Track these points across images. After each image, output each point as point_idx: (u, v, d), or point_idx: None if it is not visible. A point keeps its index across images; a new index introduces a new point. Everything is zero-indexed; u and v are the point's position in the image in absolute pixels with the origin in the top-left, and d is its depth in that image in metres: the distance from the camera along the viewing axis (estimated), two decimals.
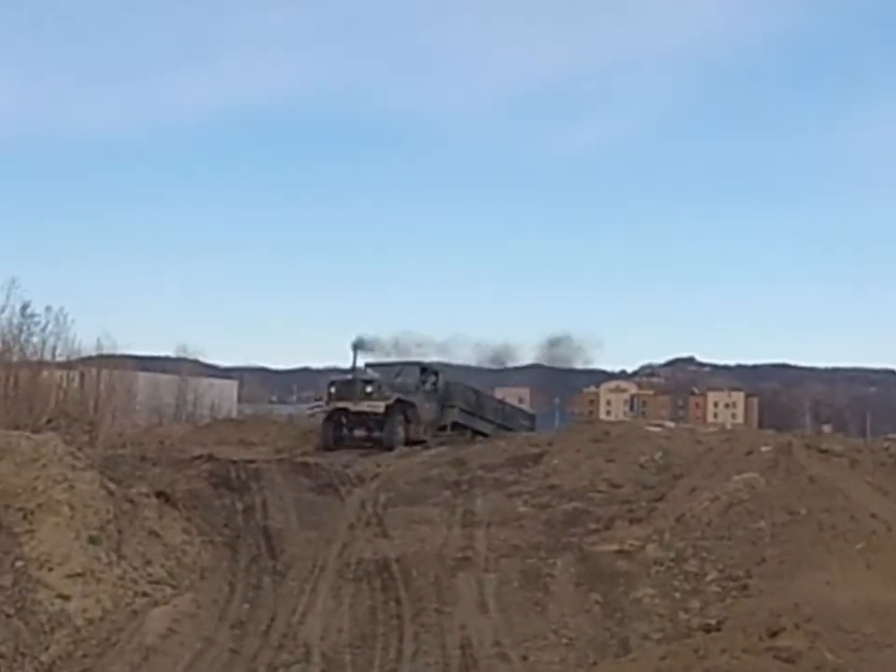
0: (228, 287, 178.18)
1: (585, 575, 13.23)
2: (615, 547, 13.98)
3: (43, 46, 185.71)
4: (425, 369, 28.97)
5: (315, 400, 36.63)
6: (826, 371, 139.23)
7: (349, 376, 28.23)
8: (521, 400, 66.16)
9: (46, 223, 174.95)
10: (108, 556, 12.33)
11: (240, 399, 58.17)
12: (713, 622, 11.45)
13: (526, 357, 51.30)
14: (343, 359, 29.78)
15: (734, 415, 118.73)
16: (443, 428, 28.45)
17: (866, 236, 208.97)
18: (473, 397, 30.04)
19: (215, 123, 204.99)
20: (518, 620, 12.06)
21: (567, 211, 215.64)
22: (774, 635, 9.92)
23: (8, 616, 11.01)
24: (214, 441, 27.31)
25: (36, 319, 21.94)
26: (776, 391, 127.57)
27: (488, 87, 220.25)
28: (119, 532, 12.81)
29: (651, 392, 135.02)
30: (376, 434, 26.56)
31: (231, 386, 57.33)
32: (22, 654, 10.65)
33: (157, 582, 12.55)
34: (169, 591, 12.48)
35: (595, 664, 10.98)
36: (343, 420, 26.82)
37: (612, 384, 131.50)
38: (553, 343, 46.55)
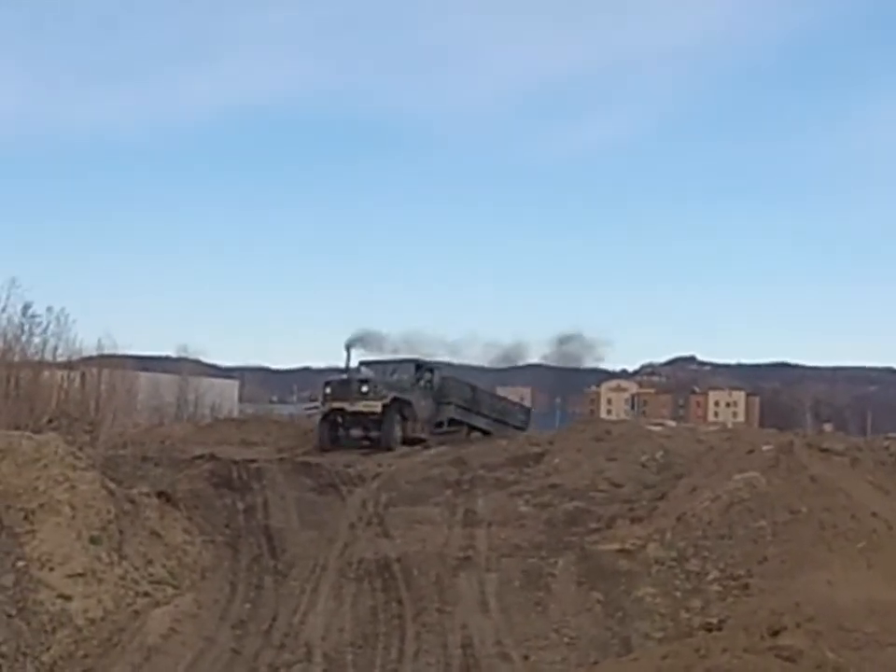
0: (228, 286, 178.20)
1: (586, 574, 13.23)
2: (616, 546, 13.97)
3: (43, 45, 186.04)
4: (420, 366, 28.73)
5: (311, 401, 36.63)
6: (827, 370, 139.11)
7: (344, 376, 28.04)
8: (522, 399, 66.11)
9: (46, 223, 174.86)
10: (110, 556, 12.34)
11: (241, 399, 58.07)
12: (714, 621, 11.45)
13: (535, 355, 51.24)
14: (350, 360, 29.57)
15: (734, 414, 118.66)
16: (440, 425, 28.32)
17: (866, 235, 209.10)
18: (470, 392, 29.89)
19: (215, 123, 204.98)
20: (519, 619, 12.06)
21: (567, 211, 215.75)
22: (775, 634, 9.92)
23: (10, 616, 11.02)
24: (215, 440, 27.28)
25: (38, 319, 21.96)
26: (776, 390, 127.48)
27: (489, 87, 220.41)
28: (121, 532, 12.82)
29: (651, 391, 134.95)
30: (373, 433, 26.47)
31: (231, 386, 57.26)
32: (24, 654, 10.67)
33: (158, 582, 12.56)
34: (170, 591, 12.49)
35: (596, 663, 10.99)
36: (340, 420, 26.73)
37: (613, 383, 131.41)
38: (564, 340, 46.39)
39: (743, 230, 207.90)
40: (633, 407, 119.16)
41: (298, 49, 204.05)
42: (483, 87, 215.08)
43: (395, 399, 26.65)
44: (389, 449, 25.19)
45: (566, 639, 11.57)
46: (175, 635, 11.32)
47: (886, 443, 17.88)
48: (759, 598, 11.74)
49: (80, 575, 11.82)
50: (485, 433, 29.27)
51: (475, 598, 12.70)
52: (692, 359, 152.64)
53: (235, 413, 44.38)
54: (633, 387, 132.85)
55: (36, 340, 22.17)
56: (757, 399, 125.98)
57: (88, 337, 24.00)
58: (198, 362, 52.83)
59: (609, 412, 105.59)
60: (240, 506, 16.77)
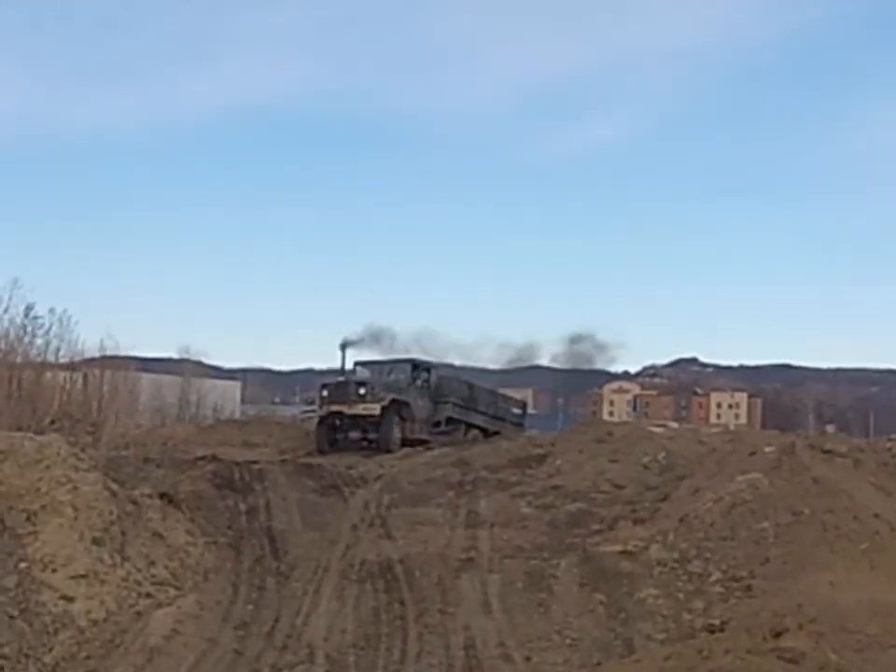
0: (230, 287, 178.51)
1: (589, 576, 13.22)
2: (619, 548, 13.96)
3: (43, 45, 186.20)
4: (416, 365, 28.67)
5: (308, 404, 36.54)
6: (829, 371, 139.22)
7: (341, 378, 27.97)
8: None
9: (48, 223, 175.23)
10: (112, 558, 12.33)
11: (243, 401, 58.09)
12: (717, 622, 11.44)
13: (546, 355, 51.03)
14: (346, 361, 29.54)
15: (737, 416, 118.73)
16: (437, 424, 28.24)
17: (867, 236, 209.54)
18: (467, 390, 29.82)
19: (215, 123, 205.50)
20: (522, 620, 12.06)
21: (567, 211, 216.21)
22: (777, 635, 9.92)
23: (12, 617, 11.02)
24: (217, 442, 27.30)
25: (40, 321, 22.02)
26: (778, 391, 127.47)
27: (489, 87, 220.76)
28: (123, 533, 12.81)
29: (654, 393, 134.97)
30: (372, 436, 26.40)
31: (234, 387, 57.26)
32: (26, 656, 10.67)
33: (160, 584, 12.55)
34: (172, 592, 12.48)
35: (598, 664, 10.98)
36: (338, 423, 26.66)
37: (615, 384, 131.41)
38: (575, 339, 46.20)
39: (744, 230, 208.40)
40: (635, 408, 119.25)
41: (298, 49, 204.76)
42: (482, 87, 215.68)
43: (393, 401, 26.58)
44: (388, 451, 25.14)
45: (568, 641, 11.56)
46: (177, 636, 11.32)
47: (888, 444, 17.86)
48: (761, 600, 11.73)
49: (83, 576, 11.82)
50: (483, 430, 29.26)
51: (477, 599, 12.70)
52: (694, 361, 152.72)
53: (237, 415, 44.40)
54: (635, 389, 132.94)
55: (39, 341, 22.23)
56: (759, 401, 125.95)
57: (90, 338, 24.06)
58: (200, 363, 52.81)
59: (611, 413, 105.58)
60: (242, 507, 16.76)
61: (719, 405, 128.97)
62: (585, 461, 19.76)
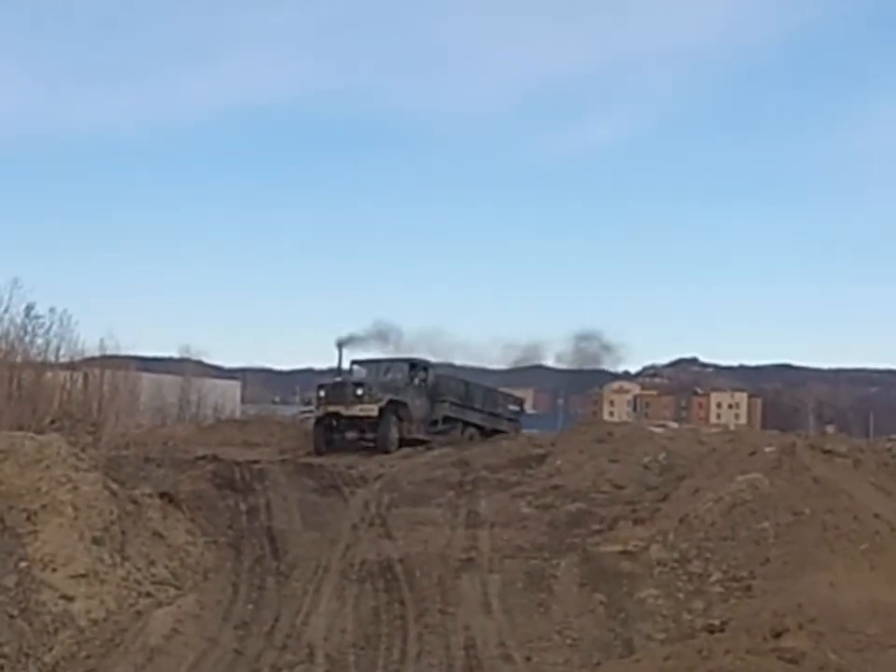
0: (231, 287, 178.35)
1: (589, 576, 13.22)
2: (619, 548, 13.96)
3: (43, 45, 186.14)
4: (414, 364, 28.48)
5: (305, 405, 36.48)
6: (829, 371, 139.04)
7: (338, 379, 27.86)
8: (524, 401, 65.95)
9: (48, 223, 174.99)
10: (112, 557, 12.34)
11: (243, 400, 58.03)
12: (717, 622, 11.45)
13: (551, 353, 50.87)
14: (345, 361, 29.47)
15: (737, 416, 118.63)
16: (434, 423, 28.10)
17: (867, 236, 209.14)
18: (463, 388, 29.61)
19: (215, 123, 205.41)
20: (522, 620, 12.06)
21: (568, 211, 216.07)
22: (777, 635, 9.93)
23: (12, 617, 11.02)
24: (217, 441, 27.27)
25: (40, 320, 22.01)
26: (779, 392, 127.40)
27: (489, 87, 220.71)
28: (123, 533, 12.82)
29: (654, 393, 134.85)
30: (369, 436, 26.32)
31: (234, 387, 57.24)
32: (26, 655, 10.68)
33: (160, 583, 12.56)
34: (173, 592, 12.49)
35: (598, 664, 10.99)
36: (334, 424, 26.55)
37: (615, 384, 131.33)
38: (582, 338, 45.96)
39: (744, 230, 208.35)
40: (635, 409, 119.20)
41: (298, 49, 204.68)
42: (483, 87, 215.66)
43: (390, 402, 26.46)
44: (386, 452, 25.07)
45: (568, 641, 11.56)
46: (177, 635, 11.32)
47: (888, 445, 17.87)
48: (761, 600, 11.73)
49: (83, 576, 11.82)
50: (480, 428, 29.23)
51: (478, 599, 12.70)
52: (694, 361, 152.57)
53: (237, 414, 44.36)
54: (635, 389, 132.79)
55: (39, 340, 22.23)
56: (759, 401, 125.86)
57: (90, 338, 24.04)
58: (200, 363, 52.76)
59: (611, 413, 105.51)
60: (242, 507, 16.76)
61: (719, 405, 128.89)
62: (585, 461, 19.75)
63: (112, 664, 10.75)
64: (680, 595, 12.63)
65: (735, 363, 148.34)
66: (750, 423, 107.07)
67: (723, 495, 14.35)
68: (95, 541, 12.36)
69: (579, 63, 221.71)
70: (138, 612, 11.74)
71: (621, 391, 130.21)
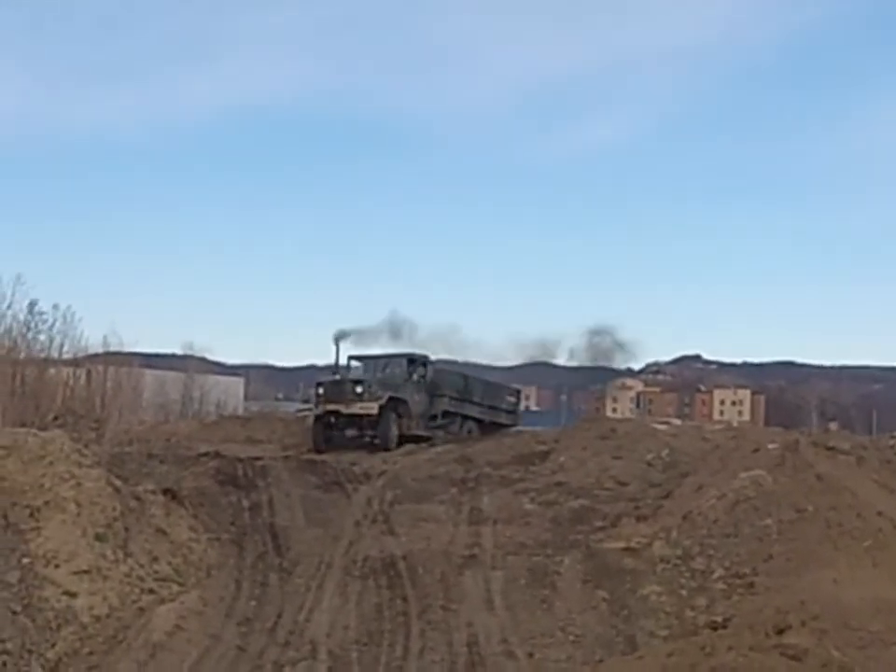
0: (233, 284, 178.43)
1: (592, 572, 13.22)
2: (622, 544, 13.96)
3: (43, 45, 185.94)
4: (413, 360, 28.47)
5: (303, 402, 36.41)
6: (832, 368, 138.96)
7: (337, 376, 27.76)
8: (527, 398, 65.95)
9: (50, 223, 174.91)
10: (115, 553, 12.34)
11: (246, 397, 58.05)
12: (720, 619, 11.42)
13: (564, 349, 50.56)
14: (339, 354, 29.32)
15: (740, 413, 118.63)
16: (434, 418, 28.13)
17: (870, 234, 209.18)
18: (462, 382, 29.66)
19: (215, 123, 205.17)
20: (525, 617, 12.05)
21: (568, 211, 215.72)
22: (780, 632, 9.91)
23: (15, 613, 11.01)
24: (220, 438, 27.32)
25: (44, 317, 22.05)
26: (782, 389, 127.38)
27: (489, 87, 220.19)
28: (126, 529, 12.82)
29: (657, 390, 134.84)
30: (369, 433, 26.27)
31: (237, 384, 57.26)
32: (29, 651, 10.66)
33: (163, 580, 12.56)
34: (176, 588, 12.49)
35: (601, 661, 10.97)
36: (333, 421, 26.46)
37: (618, 381, 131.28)
38: (595, 332, 45.67)
39: (746, 229, 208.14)
40: (638, 405, 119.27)
41: (298, 49, 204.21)
42: (483, 87, 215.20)
43: (390, 399, 26.43)
44: (387, 449, 25.02)
45: (571, 637, 11.55)
46: (180, 632, 11.32)
47: (891, 442, 17.85)
48: (764, 597, 11.72)
49: (86, 572, 11.82)
50: (478, 421, 29.23)
51: (480, 596, 12.70)
52: (697, 358, 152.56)
53: (240, 411, 44.46)
54: (638, 386, 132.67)
55: (42, 337, 22.29)
56: (762, 398, 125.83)
57: (94, 334, 24.20)
58: (203, 360, 52.80)
59: (614, 410, 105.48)
60: (245, 503, 16.79)
61: (722, 402, 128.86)
62: (589, 458, 19.76)
63: (115, 660, 10.75)
64: (683, 592, 12.62)
65: (738, 360, 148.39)
66: (754, 420, 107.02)
67: (727, 491, 14.34)
68: (98, 538, 12.35)
69: (579, 63, 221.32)
70: (141, 609, 11.74)
71: (624, 388, 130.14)
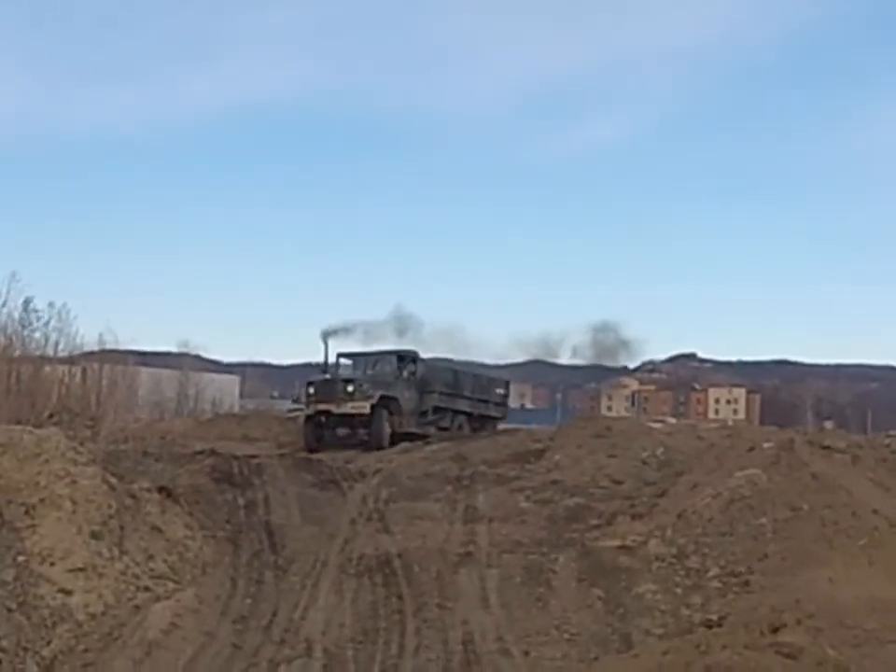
0: (229, 282, 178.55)
1: (587, 570, 13.22)
2: (617, 543, 13.96)
3: (44, 45, 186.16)
4: (402, 357, 28.36)
5: (293, 402, 36.36)
6: (828, 367, 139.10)
7: (327, 375, 27.57)
8: (522, 396, 66.03)
9: (48, 222, 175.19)
10: (110, 551, 12.33)
11: (242, 395, 58.06)
12: (715, 617, 11.45)
13: (564, 351, 50.55)
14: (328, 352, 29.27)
15: (735, 412, 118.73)
16: (424, 414, 28.03)
17: (867, 234, 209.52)
18: (452, 377, 29.58)
19: (215, 122, 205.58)
20: (520, 615, 12.06)
21: (568, 211, 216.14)
22: (775, 630, 9.93)
23: (10, 611, 11.01)
24: (216, 436, 27.30)
25: (39, 314, 21.98)
26: (777, 387, 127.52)
27: (489, 87, 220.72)
28: (121, 527, 12.81)
29: (652, 388, 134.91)
30: (361, 432, 26.17)
31: (232, 382, 57.34)
32: (24, 649, 10.66)
33: (159, 577, 12.55)
34: (171, 586, 12.48)
35: (596, 659, 10.99)
36: (324, 420, 26.36)
37: (613, 379, 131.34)
38: (599, 328, 45.59)
39: (742, 228, 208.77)
40: (633, 404, 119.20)
41: (298, 49, 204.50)
42: (483, 87, 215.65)
43: (382, 397, 26.34)
44: (379, 448, 24.95)
45: (566, 635, 11.56)
46: (175, 630, 11.32)
47: (887, 441, 17.87)
48: (759, 595, 11.74)
49: (81, 570, 11.81)
50: (468, 415, 29.22)
51: (476, 594, 12.70)
52: (692, 356, 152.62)
53: (236, 409, 44.43)
54: (633, 384, 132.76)
55: (37, 335, 22.20)
56: (758, 397, 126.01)
57: (89, 332, 24.04)
58: (199, 357, 52.98)
59: (609, 408, 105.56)
60: (241, 501, 16.77)
61: (717, 401, 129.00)
62: (584, 456, 19.75)
63: (110, 658, 10.75)
64: (678, 591, 12.64)
65: (733, 359, 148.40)
66: (749, 418, 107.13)
67: (722, 490, 14.35)
68: (94, 535, 12.35)
69: (579, 63, 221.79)
70: (136, 606, 11.73)
71: (619, 386, 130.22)
